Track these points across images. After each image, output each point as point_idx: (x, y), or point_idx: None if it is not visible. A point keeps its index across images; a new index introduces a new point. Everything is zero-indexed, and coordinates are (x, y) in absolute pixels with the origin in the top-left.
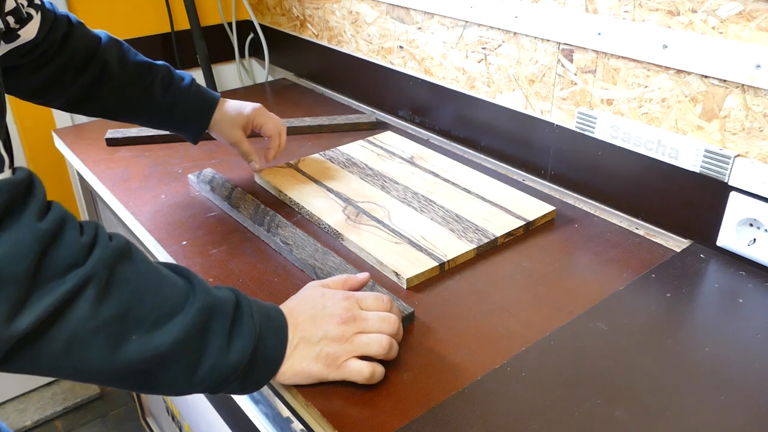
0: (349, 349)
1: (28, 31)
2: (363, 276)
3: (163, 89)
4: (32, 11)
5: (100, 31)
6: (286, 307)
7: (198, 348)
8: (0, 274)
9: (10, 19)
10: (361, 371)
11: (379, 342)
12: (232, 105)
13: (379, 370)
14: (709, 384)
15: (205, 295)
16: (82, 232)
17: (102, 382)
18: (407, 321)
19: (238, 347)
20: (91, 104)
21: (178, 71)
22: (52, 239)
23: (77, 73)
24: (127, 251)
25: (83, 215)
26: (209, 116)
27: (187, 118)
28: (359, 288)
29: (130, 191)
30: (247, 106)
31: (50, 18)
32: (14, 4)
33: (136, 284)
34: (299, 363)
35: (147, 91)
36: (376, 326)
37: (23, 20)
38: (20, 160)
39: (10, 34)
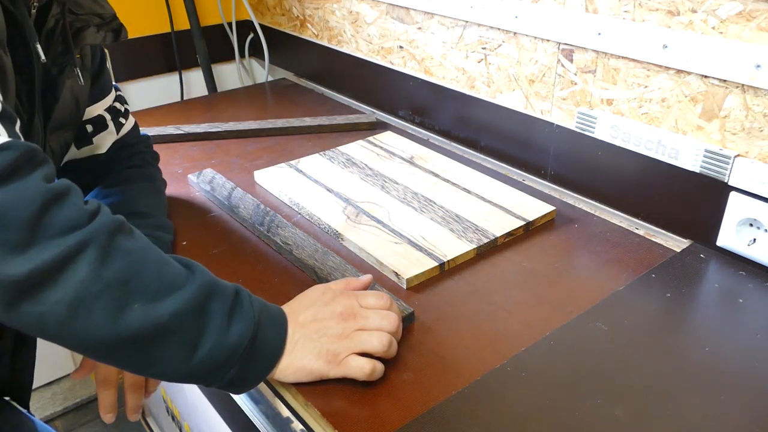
0: (350, 345)
1: (99, 140)
2: (365, 278)
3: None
4: (111, 125)
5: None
6: (287, 307)
7: (198, 325)
8: (1, 217)
9: (89, 127)
10: (362, 368)
11: (380, 339)
12: None
13: (380, 367)
14: (709, 384)
15: (204, 276)
16: (87, 203)
17: (102, 353)
18: (407, 321)
19: (238, 329)
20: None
21: None
22: (56, 198)
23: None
24: (128, 227)
25: None
26: None
27: None
28: (362, 289)
29: None
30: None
31: (129, 145)
32: (98, 113)
33: (138, 255)
34: (300, 359)
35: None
36: (376, 323)
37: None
38: None
39: (83, 139)
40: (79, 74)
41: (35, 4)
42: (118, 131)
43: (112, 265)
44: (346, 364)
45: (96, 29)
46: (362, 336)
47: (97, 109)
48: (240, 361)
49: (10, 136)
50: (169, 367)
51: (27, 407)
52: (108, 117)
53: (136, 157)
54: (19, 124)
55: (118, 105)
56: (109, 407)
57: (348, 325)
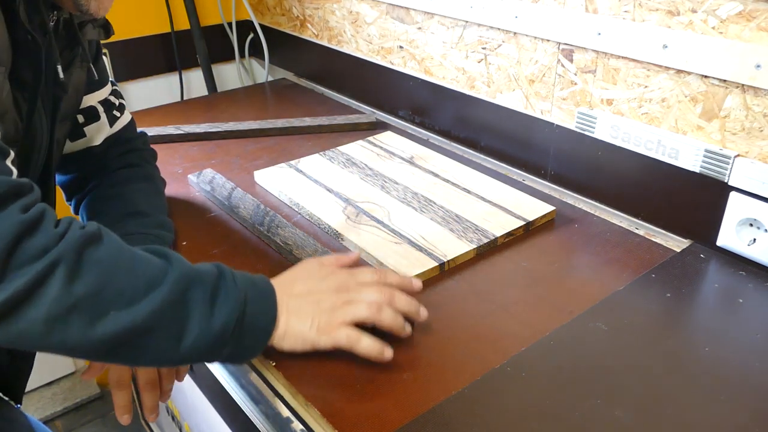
0: (341, 315)
1: (92, 132)
2: (353, 254)
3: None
4: (104, 117)
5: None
6: (280, 278)
7: (179, 317)
8: None
9: (80, 117)
10: (349, 336)
11: (368, 305)
12: None
13: (367, 339)
14: (709, 384)
15: (181, 267)
16: (58, 225)
17: (91, 355)
18: (407, 321)
19: (223, 312)
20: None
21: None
22: (29, 228)
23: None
24: (97, 235)
25: None
26: None
27: None
28: (351, 265)
29: None
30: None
31: (126, 140)
32: (90, 104)
33: (109, 264)
34: (295, 325)
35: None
36: (368, 295)
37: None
38: None
39: (76, 130)
40: (91, 68)
41: (53, 18)
42: (111, 124)
43: (83, 279)
44: (336, 333)
45: (92, 26)
46: (352, 309)
47: (90, 100)
48: (231, 340)
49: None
50: (159, 357)
51: (20, 403)
52: (101, 109)
53: (134, 154)
54: (12, 156)
55: (112, 98)
56: (125, 408)
57: (341, 297)
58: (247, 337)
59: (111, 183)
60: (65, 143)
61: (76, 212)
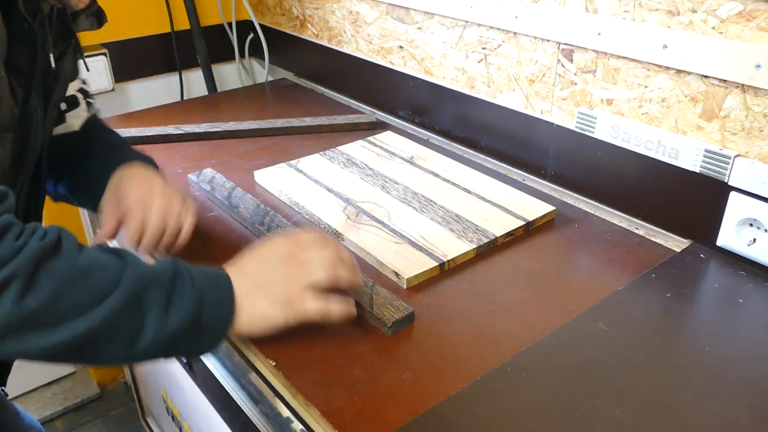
0: (298, 284)
1: (72, 118)
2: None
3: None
4: (83, 104)
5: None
6: (232, 264)
7: (133, 320)
8: None
9: (63, 105)
10: (317, 309)
11: (323, 267)
12: (132, 192)
13: (336, 305)
14: (709, 384)
15: (135, 270)
16: (20, 236)
17: (49, 360)
18: (407, 321)
19: (179, 312)
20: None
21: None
22: None
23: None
24: (55, 246)
25: (83, 215)
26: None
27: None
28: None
29: None
30: (145, 194)
31: (98, 120)
32: (71, 93)
33: (64, 275)
34: (257, 309)
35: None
36: (315, 253)
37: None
38: None
39: (58, 118)
40: (83, 60)
41: (47, 7)
42: (88, 108)
43: (37, 292)
44: (302, 308)
45: (85, 16)
46: (305, 271)
47: (70, 89)
48: (187, 339)
49: None
50: (116, 359)
51: (4, 385)
52: (80, 97)
53: (111, 134)
54: None
55: (85, 86)
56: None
57: (291, 265)
58: (205, 333)
59: (90, 170)
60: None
61: (54, 191)
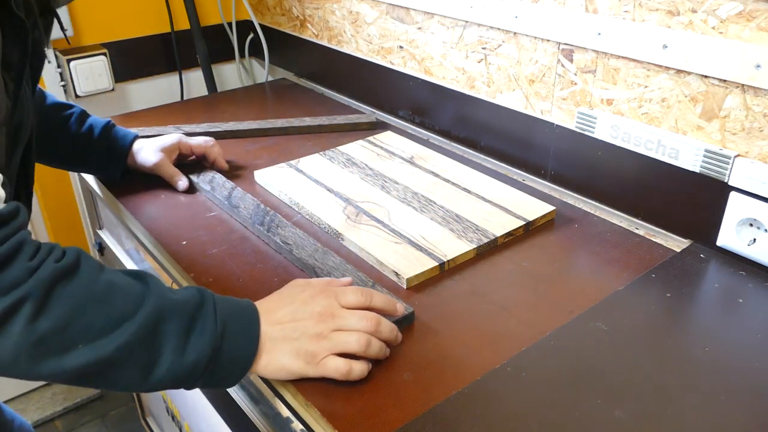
0: (328, 346)
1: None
2: (346, 280)
3: (79, 125)
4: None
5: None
6: (264, 303)
7: (149, 350)
8: None
9: None
10: (338, 368)
11: (358, 339)
12: (151, 139)
13: (358, 366)
14: (709, 384)
15: (157, 299)
16: (34, 256)
17: (61, 382)
18: (407, 321)
19: (197, 347)
20: None
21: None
22: (4, 261)
23: None
24: (72, 268)
25: (83, 215)
26: (127, 147)
27: (106, 151)
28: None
29: (130, 191)
30: (170, 136)
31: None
32: None
33: (79, 298)
34: (279, 359)
35: (64, 127)
36: (354, 323)
37: None
38: None
39: None
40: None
41: None
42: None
43: (49, 315)
44: (324, 365)
45: None
46: (341, 336)
47: None
48: (204, 373)
49: None
50: (127, 386)
51: None
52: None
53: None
54: (1, 179)
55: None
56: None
57: (326, 325)
58: (223, 369)
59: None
60: None
61: None
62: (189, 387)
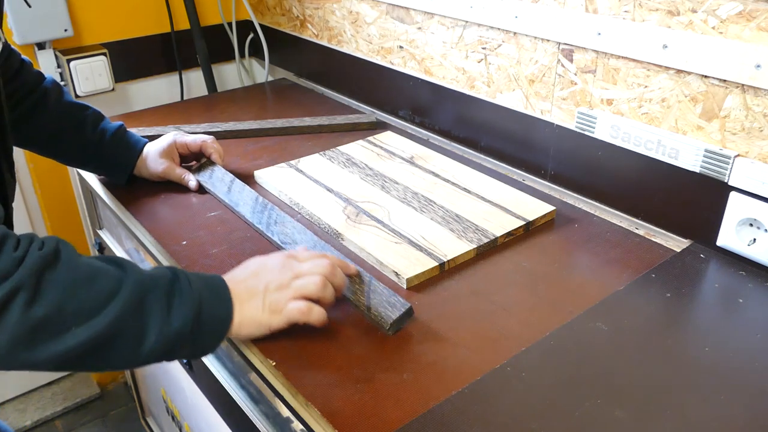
0: (289, 293)
1: None
2: (301, 248)
3: (93, 129)
4: None
5: (46, 73)
6: (229, 274)
7: (137, 323)
8: None
9: None
10: (300, 309)
11: (315, 282)
12: (152, 144)
13: (317, 308)
14: (709, 384)
15: (136, 275)
16: (18, 247)
17: (58, 369)
18: (406, 316)
19: (179, 315)
20: (24, 133)
21: (108, 119)
22: None
23: (21, 99)
24: (55, 256)
25: (83, 215)
26: (134, 157)
27: (114, 158)
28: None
29: (129, 191)
30: (164, 138)
31: (8, 50)
32: None
33: (67, 283)
34: (250, 315)
35: (78, 128)
36: (310, 267)
37: None
38: (20, 160)
39: None
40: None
41: None
42: None
43: (42, 302)
44: (288, 311)
45: None
46: (299, 281)
47: None
48: (190, 339)
49: None
50: (121, 362)
51: None
52: None
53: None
54: None
55: None
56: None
57: (286, 275)
58: (205, 335)
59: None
60: None
61: None
62: (177, 356)
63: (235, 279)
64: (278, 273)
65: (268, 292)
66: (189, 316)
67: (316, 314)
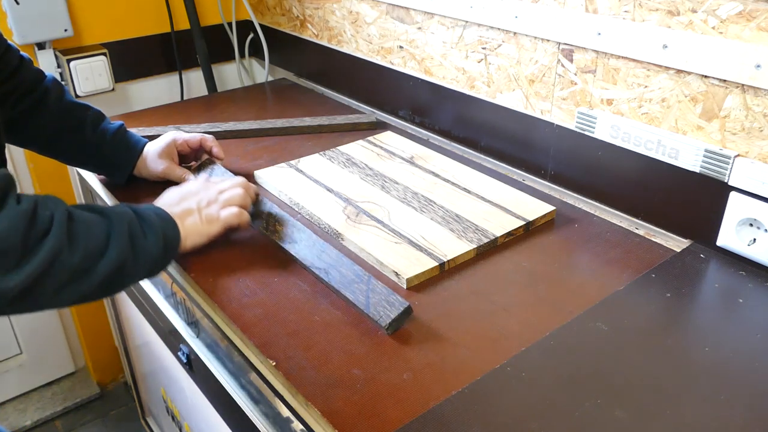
0: (220, 204)
1: None
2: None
3: (93, 129)
4: None
5: (47, 71)
6: (159, 201)
7: (132, 248)
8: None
9: None
10: (234, 214)
11: (239, 193)
12: (152, 144)
13: (245, 212)
14: (709, 384)
15: (113, 215)
16: (46, 207)
17: (90, 300)
18: (404, 316)
19: (152, 239)
20: (24, 132)
21: (109, 119)
22: (30, 217)
23: (20, 98)
24: (69, 212)
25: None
26: (134, 158)
27: (114, 158)
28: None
29: (129, 191)
30: (163, 138)
31: (4, 46)
32: None
33: (83, 232)
34: (191, 228)
35: (78, 128)
36: (230, 185)
37: None
38: (20, 160)
39: None
40: None
41: None
42: None
43: (74, 249)
44: (223, 218)
45: None
46: (225, 195)
47: None
48: (162, 256)
49: None
50: (132, 280)
51: None
52: None
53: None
54: None
55: None
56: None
57: (211, 192)
58: (169, 250)
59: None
60: None
61: (6, 139)
62: (153, 274)
63: (169, 204)
64: (204, 192)
65: (201, 209)
66: (159, 237)
67: (246, 217)
